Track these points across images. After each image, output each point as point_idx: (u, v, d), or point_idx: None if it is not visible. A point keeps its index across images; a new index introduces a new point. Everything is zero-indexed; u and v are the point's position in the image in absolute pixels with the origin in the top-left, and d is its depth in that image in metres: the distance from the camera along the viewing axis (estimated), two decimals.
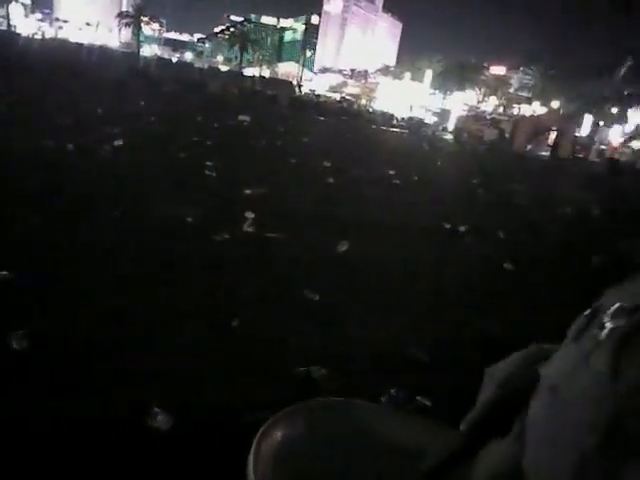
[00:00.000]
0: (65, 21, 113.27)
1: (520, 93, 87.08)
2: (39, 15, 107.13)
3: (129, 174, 6.77)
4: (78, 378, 2.41)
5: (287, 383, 2.62)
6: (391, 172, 11.21)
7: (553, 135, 33.30)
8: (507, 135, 34.52)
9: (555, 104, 68.47)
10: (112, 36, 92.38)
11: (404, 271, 4.87)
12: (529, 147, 32.34)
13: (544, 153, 31.79)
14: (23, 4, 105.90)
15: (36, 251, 3.84)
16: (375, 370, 2.97)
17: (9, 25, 62.66)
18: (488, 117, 49.13)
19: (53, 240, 4.08)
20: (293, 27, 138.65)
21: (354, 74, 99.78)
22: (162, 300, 3.39)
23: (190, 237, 4.76)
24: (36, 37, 36.81)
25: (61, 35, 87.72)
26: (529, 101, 79.81)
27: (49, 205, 4.89)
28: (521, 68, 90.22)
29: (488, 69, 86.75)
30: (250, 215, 5.64)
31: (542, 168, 21.47)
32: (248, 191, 6.89)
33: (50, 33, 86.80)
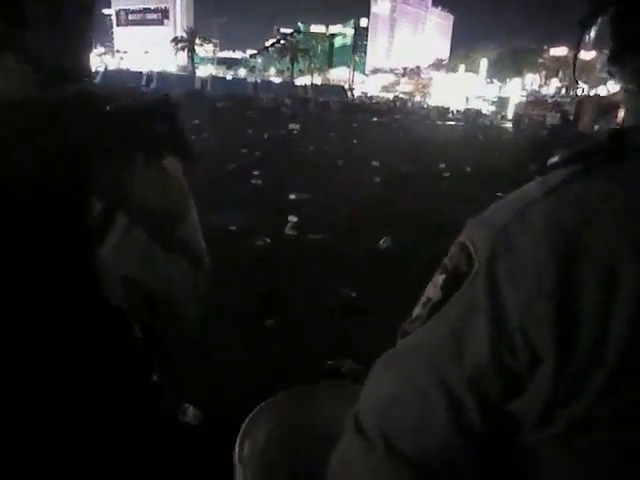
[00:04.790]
0: (125, 52, 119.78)
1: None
2: (102, 49, 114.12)
3: None
4: None
5: (316, 378, 2.65)
6: (442, 165, 11.03)
7: (622, 112, 31.49)
8: (571, 117, 32.99)
9: None
10: (170, 61, 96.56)
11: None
12: (596, 127, 30.78)
13: None
14: None
15: None
16: None
17: None
18: (550, 101, 47.05)
19: None
20: (342, 32, 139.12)
21: (406, 72, 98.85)
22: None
23: (232, 242, 4.90)
24: (99, 70, 39.07)
25: (122, 65, 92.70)
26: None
27: None
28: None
29: (548, 51, 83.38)
30: (293, 219, 5.74)
31: None
32: (293, 196, 7.01)
33: (113, 64, 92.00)
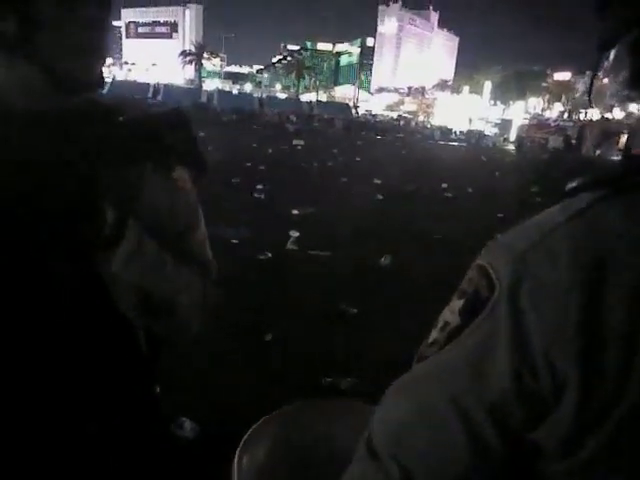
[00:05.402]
0: (133, 64, 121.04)
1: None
2: (110, 60, 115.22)
3: None
4: None
5: (314, 394, 2.65)
6: (444, 185, 11.08)
7: (624, 138, 31.61)
8: (573, 141, 33.18)
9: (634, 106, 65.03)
10: (177, 74, 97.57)
11: (449, 282, 4.79)
12: (598, 152, 30.90)
13: (616, 158, 30.19)
14: None
15: None
16: None
17: None
18: (552, 124, 47.38)
19: None
20: (348, 51, 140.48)
21: (411, 91, 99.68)
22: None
23: (234, 256, 4.92)
24: (107, 80, 39.46)
25: (130, 77, 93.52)
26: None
27: None
28: (588, 71, 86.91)
29: (552, 76, 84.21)
30: (295, 234, 5.77)
31: None
32: (295, 211, 7.04)
33: (120, 76, 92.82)
